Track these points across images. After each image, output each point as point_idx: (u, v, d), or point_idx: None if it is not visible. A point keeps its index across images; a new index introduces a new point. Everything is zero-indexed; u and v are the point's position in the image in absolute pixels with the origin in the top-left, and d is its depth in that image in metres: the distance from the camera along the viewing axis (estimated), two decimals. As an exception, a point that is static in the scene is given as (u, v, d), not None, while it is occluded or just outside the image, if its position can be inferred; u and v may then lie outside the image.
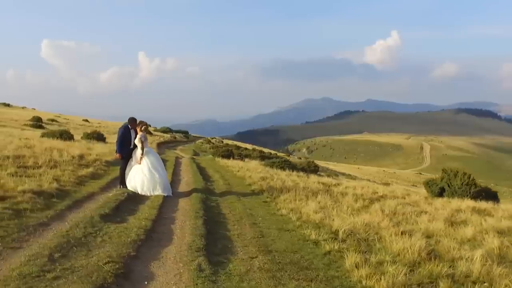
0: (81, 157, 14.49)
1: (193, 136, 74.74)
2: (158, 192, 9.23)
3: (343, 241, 6.02)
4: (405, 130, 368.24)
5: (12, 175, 9.24)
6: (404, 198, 12.53)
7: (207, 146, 52.57)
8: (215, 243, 5.68)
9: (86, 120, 58.57)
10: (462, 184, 13.62)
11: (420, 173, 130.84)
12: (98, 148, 18.55)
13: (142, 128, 9.52)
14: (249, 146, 64.83)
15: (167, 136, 56.57)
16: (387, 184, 34.00)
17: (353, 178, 39.52)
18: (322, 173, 31.77)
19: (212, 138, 76.55)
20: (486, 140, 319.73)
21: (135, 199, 8.49)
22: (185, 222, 6.73)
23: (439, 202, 11.94)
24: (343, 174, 55.54)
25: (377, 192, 13.68)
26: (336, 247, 5.63)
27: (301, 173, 18.28)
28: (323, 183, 13.98)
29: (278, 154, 59.20)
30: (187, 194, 9.73)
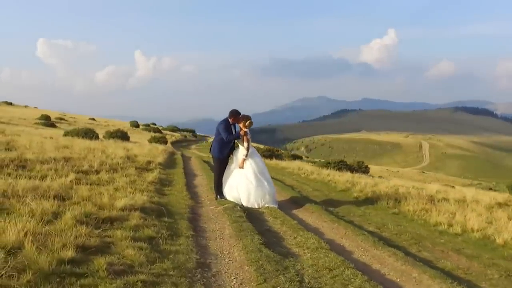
0: (128, 158, 12.72)
1: (200, 135, 72.94)
2: (268, 203, 7.52)
3: None
4: (403, 128, 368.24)
5: (77, 183, 7.56)
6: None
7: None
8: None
9: (93, 119, 56.56)
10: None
11: (423, 172, 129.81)
12: (135, 149, 16.77)
13: (247, 124, 7.79)
14: (261, 146, 63.03)
15: (178, 135, 54.73)
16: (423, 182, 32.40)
17: (381, 177, 37.79)
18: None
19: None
20: (483, 138, 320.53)
21: (257, 215, 6.75)
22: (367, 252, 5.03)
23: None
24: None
25: (465, 196, 12.03)
26: None
27: (362, 175, 16.62)
28: (413, 186, 12.35)
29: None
30: (294, 205, 8.01)
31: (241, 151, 7.76)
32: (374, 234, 6.01)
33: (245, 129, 7.84)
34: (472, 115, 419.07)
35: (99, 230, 4.30)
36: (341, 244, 5.46)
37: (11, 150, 11.05)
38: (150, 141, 28.50)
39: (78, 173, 8.88)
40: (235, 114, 7.92)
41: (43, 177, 7.69)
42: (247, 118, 7.94)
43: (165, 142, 29.52)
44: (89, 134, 21.14)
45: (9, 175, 7.58)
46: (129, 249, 3.90)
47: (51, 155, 10.64)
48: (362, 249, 5.22)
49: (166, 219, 5.57)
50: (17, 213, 4.77)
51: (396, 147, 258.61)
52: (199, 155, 24.30)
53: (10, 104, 63.22)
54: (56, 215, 4.72)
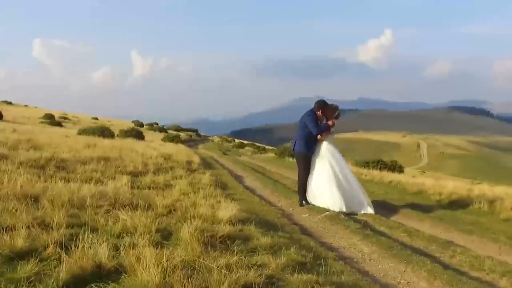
0: (166, 158, 11.52)
1: (204, 135, 71.72)
2: (362, 208, 6.33)
3: None
4: (399, 128, 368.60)
5: (132, 186, 6.39)
6: None
7: (229, 145, 49.60)
8: None
9: (96, 118, 55.13)
10: None
11: (423, 171, 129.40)
12: (163, 148, 15.57)
13: (335, 115, 6.68)
14: (267, 146, 61.92)
15: (183, 134, 53.45)
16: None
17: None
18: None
19: (229, 137, 73.64)
20: (480, 138, 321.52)
21: (368, 225, 5.54)
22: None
23: None
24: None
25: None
26: None
27: (400, 174, 15.54)
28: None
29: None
30: (383, 210, 6.88)
31: (324, 147, 6.63)
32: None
33: (333, 121, 6.73)
34: (469, 115, 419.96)
35: (241, 256, 3.07)
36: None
37: (38, 149, 9.81)
38: (164, 140, 27.24)
39: (125, 174, 7.70)
40: (323, 105, 6.77)
41: (89, 180, 6.54)
42: (335, 108, 6.84)
43: (179, 142, 28.25)
44: (106, 132, 19.89)
45: (53, 178, 6.35)
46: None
47: (85, 155, 9.42)
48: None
49: (280, 233, 4.36)
50: (107, 231, 3.56)
51: (394, 147, 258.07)
52: (212, 155, 23.07)
53: (10, 103, 61.62)
54: (164, 233, 3.50)
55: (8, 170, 5.98)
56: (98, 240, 3.03)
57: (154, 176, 7.98)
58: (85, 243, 2.92)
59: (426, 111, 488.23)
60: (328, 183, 6.43)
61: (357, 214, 6.35)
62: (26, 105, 67.73)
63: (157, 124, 67.52)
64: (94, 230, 3.63)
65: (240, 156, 27.48)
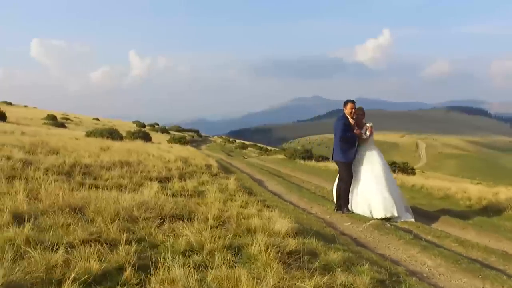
0: (184, 162, 11.29)
1: (205, 136, 71.48)
2: (402, 215, 6.15)
3: None
4: (398, 128, 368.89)
5: (162, 193, 6.16)
6: None
7: (232, 146, 49.40)
8: None
9: (97, 119, 54.83)
10: None
11: (423, 172, 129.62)
12: (176, 151, 15.35)
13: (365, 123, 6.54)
14: (267, 147, 61.77)
15: (185, 135, 53.18)
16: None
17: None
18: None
19: (230, 138, 73.52)
20: (478, 138, 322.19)
21: (414, 234, 5.34)
22: None
23: None
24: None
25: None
26: None
27: (412, 176, 15.36)
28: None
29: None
30: (417, 216, 6.64)
31: (371, 151, 6.44)
32: None
33: (368, 124, 6.56)
34: (467, 115, 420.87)
35: (324, 276, 2.86)
36: None
37: (56, 154, 9.58)
38: (169, 141, 27.00)
39: (152, 180, 7.49)
40: (350, 106, 6.59)
41: (119, 187, 6.33)
42: (360, 108, 6.69)
43: (186, 143, 28.01)
44: (114, 134, 19.65)
45: (83, 185, 6.15)
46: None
47: (106, 159, 9.20)
48: None
49: (338, 245, 4.16)
50: (168, 247, 3.34)
51: (392, 147, 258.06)
52: (219, 157, 22.84)
53: (10, 104, 61.16)
54: (232, 250, 3.28)
55: (40, 178, 5.76)
56: (172, 260, 2.82)
57: (180, 182, 7.77)
58: (159, 264, 2.71)
59: (425, 111, 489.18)
60: (378, 188, 6.22)
61: (396, 222, 6.16)
62: (26, 106, 67.31)
63: (158, 124, 67.22)
64: (153, 246, 3.43)
65: (245, 157, 27.26)
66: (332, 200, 7.43)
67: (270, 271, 2.80)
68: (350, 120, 6.59)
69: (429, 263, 4.12)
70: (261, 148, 51.94)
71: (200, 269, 2.80)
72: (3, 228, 3.39)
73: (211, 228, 4.08)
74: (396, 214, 6.07)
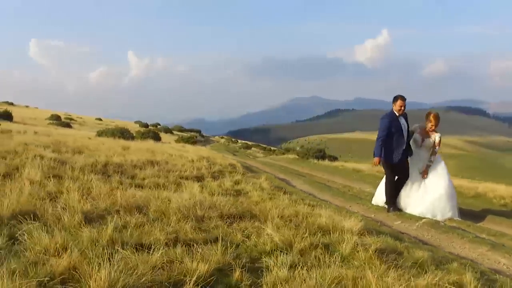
0: (208, 161, 11.17)
1: (206, 136, 71.38)
2: (453, 215, 6.04)
3: None
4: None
5: (203, 192, 6.06)
6: None
7: (236, 146, 49.28)
8: None
9: (100, 119, 54.65)
10: None
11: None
12: (193, 151, 15.22)
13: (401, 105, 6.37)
14: (270, 147, 61.65)
15: (188, 135, 53.03)
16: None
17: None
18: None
19: (232, 138, 73.46)
20: (477, 138, 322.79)
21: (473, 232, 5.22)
22: None
23: None
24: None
25: None
26: None
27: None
28: None
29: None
30: (464, 216, 6.53)
31: (425, 157, 6.30)
32: None
33: (435, 134, 6.39)
34: (466, 115, 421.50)
35: (432, 276, 2.74)
36: None
37: (80, 153, 9.44)
38: (178, 141, 26.87)
39: (186, 179, 7.38)
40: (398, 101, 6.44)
41: (159, 186, 6.21)
42: (435, 116, 6.50)
43: (194, 143, 27.88)
44: (125, 134, 19.51)
45: (122, 184, 6.03)
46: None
47: (134, 158, 9.07)
48: None
49: (407, 244, 4.03)
50: (250, 247, 3.22)
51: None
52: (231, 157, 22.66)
53: (12, 104, 60.82)
54: (321, 248, 3.15)
55: (84, 178, 5.63)
56: (271, 261, 2.70)
57: (214, 181, 7.65)
58: (262, 264, 2.59)
59: (423, 110, 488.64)
60: (441, 192, 6.12)
61: (444, 220, 6.05)
62: (27, 106, 67.01)
63: (160, 124, 67.02)
64: (235, 246, 3.30)
65: (250, 157, 27.11)
66: (370, 200, 7.35)
67: (376, 269, 2.68)
68: (421, 131, 6.42)
69: (504, 261, 4.02)
70: (264, 148, 51.86)
71: (297, 269, 2.68)
72: (81, 228, 3.26)
73: (281, 227, 3.97)
74: (439, 218, 5.96)
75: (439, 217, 5.97)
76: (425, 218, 5.79)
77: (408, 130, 6.43)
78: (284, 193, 7.51)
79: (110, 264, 2.39)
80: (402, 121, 6.41)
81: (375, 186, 10.66)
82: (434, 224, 5.40)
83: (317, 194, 8.49)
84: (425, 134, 6.43)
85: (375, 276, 2.41)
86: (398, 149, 6.34)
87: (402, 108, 6.41)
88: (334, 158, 27.42)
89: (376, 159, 6.23)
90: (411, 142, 6.51)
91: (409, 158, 6.44)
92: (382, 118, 6.52)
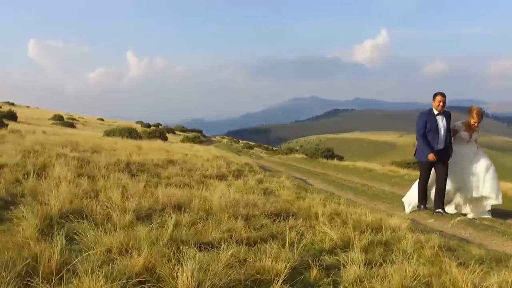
0: (223, 160, 11.11)
1: (208, 136, 71.30)
2: (484, 213, 5.98)
3: None
4: (396, 128, 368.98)
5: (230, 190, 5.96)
6: None
7: (238, 146, 49.22)
8: None
9: (102, 119, 54.56)
10: None
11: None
12: (204, 150, 15.18)
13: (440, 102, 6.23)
14: (271, 147, 61.61)
15: (190, 135, 52.97)
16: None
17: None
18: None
19: (233, 138, 73.50)
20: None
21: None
22: None
23: None
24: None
25: None
26: None
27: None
28: None
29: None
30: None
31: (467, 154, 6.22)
32: None
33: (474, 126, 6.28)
34: (464, 115, 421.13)
35: (508, 273, 2.69)
36: None
37: (98, 152, 9.38)
38: (183, 141, 26.82)
39: (209, 178, 7.33)
40: (439, 99, 6.33)
41: (185, 185, 6.15)
42: (478, 113, 6.39)
43: (200, 142, 27.84)
44: (133, 134, 19.46)
45: (149, 183, 5.96)
46: None
47: (154, 158, 9.01)
48: None
49: (456, 241, 3.99)
50: (308, 245, 3.16)
51: (392, 147, 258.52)
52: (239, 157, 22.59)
53: (13, 104, 60.66)
54: (381, 245, 3.09)
55: (115, 177, 5.57)
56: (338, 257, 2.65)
57: (236, 180, 7.60)
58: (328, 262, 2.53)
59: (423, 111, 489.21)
60: (489, 177, 6.10)
61: (476, 219, 5.99)
62: (28, 106, 66.86)
63: (161, 124, 66.92)
64: (290, 244, 3.24)
65: (260, 157, 27.05)
66: (392, 198, 7.31)
67: (447, 266, 2.63)
68: (466, 128, 6.32)
69: None
70: (267, 148, 51.83)
71: (375, 266, 2.63)
72: (134, 227, 3.20)
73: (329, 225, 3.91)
74: (472, 216, 5.90)
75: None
76: (459, 216, 5.73)
77: (448, 130, 6.31)
78: (305, 191, 7.47)
79: (181, 264, 2.33)
80: (440, 119, 6.30)
81: (392, 185, 10.65)
82: (470, 222, 5.35)
83: (338, 193, 8.43)
84: (471, 130, 6.39)
85: (464, 272, 2.35)
86: (425, 147, 6.29)
87: (441, 103, 6.29)
88: (340, 158, 27.40)
89: (431, 155, 6.11)
90: (458, 140, 6.41)
91: (456, 157, 6.25)
92: (420, 115, 6.44)
